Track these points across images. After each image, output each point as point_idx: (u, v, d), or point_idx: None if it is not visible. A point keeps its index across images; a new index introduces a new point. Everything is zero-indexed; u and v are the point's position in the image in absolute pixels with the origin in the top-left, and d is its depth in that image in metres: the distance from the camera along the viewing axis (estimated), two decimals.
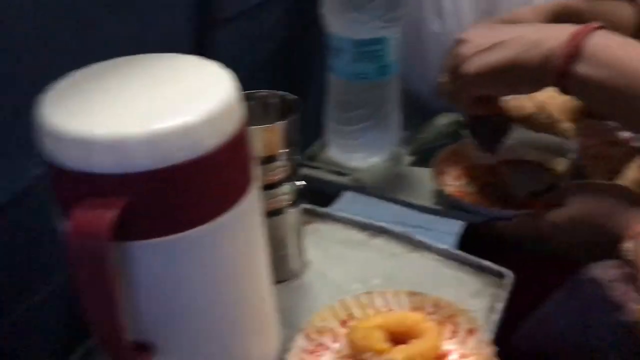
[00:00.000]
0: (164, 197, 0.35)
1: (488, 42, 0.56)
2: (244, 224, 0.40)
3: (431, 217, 0.69)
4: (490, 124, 0.67)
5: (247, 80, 0.78)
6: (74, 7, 0.48)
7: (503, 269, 0.58)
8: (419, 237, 0.64)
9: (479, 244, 0.68)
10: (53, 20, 0.46)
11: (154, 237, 0.36)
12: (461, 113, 0.76)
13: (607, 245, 0.53)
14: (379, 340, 0.49)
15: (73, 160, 0.34)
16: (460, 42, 0.59)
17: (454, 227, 0.67)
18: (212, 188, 0.37)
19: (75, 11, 0.48)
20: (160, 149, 0.33)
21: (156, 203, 0.35)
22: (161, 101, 0.36)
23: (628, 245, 0.50)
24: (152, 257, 0.36)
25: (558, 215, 0.62)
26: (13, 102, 0.41)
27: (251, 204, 0.41)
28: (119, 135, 0.33)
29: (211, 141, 0.35)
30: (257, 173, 0.52)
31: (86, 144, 0.33)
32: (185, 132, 0.34)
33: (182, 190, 0.35)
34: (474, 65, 0.56)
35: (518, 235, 0.66)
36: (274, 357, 0.47)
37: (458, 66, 0.58)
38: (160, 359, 0.40)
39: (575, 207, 0.61)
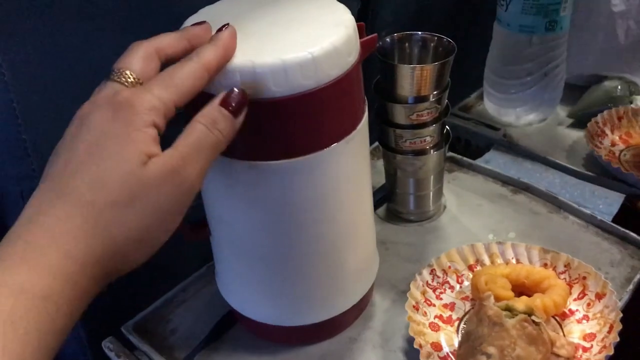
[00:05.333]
0: (289, 123, 0.39)
1: None
2: (353, 153, 0.44)
3: (588, 191, 0.66)
4: None
5: (415, 21, 0.79)
6: None
7: None
8: (564, 198, 0.62)
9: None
10: None
11: (273, 159, 0.40)
12: None
13: None
14: (502, 287, 0.50)
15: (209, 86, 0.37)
16: None
17: (614, 207, 0.64)
18: (329, 117, 0.40)
19: None
20: (289, 77, 0.37)
21: (282, 128, 0.39)
22: (288, 35, 0.39)
23: None
24: (273, 177, 0.41)
25: None
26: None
27: (361, 135, 0.44)
28: (253, 64, 0.37)
29: (333, 72, 0.39)
30: (406, 111, 0.55)
31: (222, 72, 0.37)
32: (312, 62, 0.37)
33: (306, 116, 0.39)
34: None
35: None
36: (369, 283, 0.51)
37: None
38: (266, 269, 0.46)
39: None
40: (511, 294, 0.50)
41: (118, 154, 0.32)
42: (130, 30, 0.47)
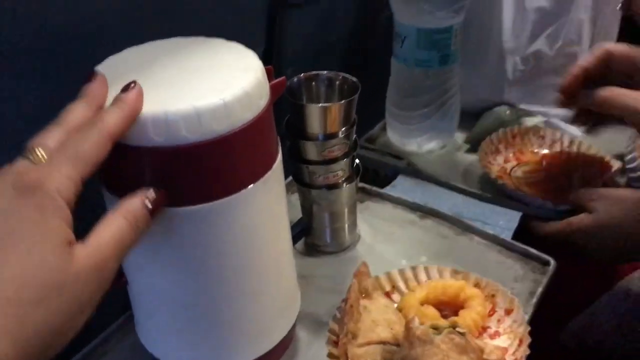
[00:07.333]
0: (205, 168, 0.39)
1: None
2: (270, 193, 0.45)
3: (488, 209, 0.71)
4: None
5: (319, 57, 0.82)
6: None
7: (547, 257, 0.60)
8: (469, 221, 0.66)
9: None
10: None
11: (191, 204, 0.40)
12: None
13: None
14: (433, 318, 0.51)
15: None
16: None
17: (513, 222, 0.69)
18: (244, 159, 0.41)
19: None
20: (202, 123, 0.37)
21: (198, 173, 0.39)
22: (199, 82, 0.40)
23: None
24: (193, 222, 0.41)
25: (584, 219, 0.64)
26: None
27: (276, 174, 0.45)
28: (165, 111, 0.37)
29: (245, 115, 0.40)
30: (316, 148, 0.56)
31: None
32: (224, 108, 0.38)
33: (222, 160, 0.40)
34: None
35: (551, 236, 0.67)
36: (292, 320, 0.52)
37: None
38: (188, 316, 0.45)
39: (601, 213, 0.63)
40: (437, 314, 0.52)
41: (38, 246, 0.30)
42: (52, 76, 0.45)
